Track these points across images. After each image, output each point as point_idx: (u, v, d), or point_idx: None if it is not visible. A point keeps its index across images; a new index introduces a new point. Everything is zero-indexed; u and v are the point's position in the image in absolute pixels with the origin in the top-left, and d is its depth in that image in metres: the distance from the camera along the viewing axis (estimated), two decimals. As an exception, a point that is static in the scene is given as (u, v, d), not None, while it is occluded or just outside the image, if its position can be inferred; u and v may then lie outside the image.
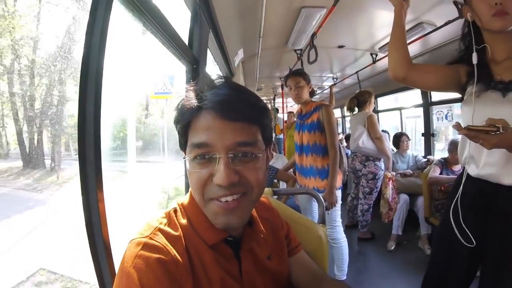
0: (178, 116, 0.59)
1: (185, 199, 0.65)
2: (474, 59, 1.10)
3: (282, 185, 3.14)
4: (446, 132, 4.37)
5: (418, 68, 1.24)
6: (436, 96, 3.72)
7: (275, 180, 2.62)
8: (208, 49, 2.09)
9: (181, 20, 1.73)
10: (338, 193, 2.18)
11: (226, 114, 0.54)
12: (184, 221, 0.60)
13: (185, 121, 0.57)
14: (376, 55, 3.29)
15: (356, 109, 3.37)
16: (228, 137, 0.54)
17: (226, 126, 0.54)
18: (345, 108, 3.55)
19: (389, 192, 2.98)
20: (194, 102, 0.57)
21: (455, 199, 1.16)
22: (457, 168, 2.90)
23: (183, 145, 0.60)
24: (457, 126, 0.94)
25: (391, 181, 3.01)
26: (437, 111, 3.71)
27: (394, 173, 3.17)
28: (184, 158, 0.59)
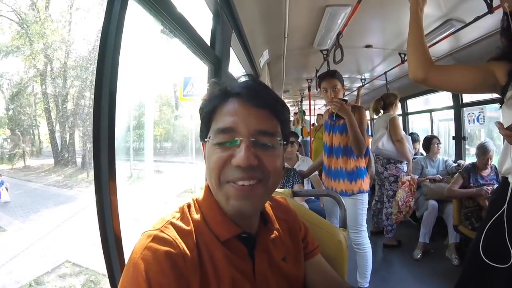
0: (205, 102, 0.61)
1: (200, 195, 0.66)
2: None
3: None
4: (479, 136, 4.12)
5: (442, 69, 1.15)
6: (467, 97, 3.50)
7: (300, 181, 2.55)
8: (232, 49, 2.10)
9: (203, 21, 1.75)
10: (365, 197, 2.13)
11: (252, 100, 0.58)
12: (197, 216, 0.61)
13: (212, 106, 0.60)
14: (405, 54, 3.15)
15: (382, 111, 3.33)
16: (252, 123, 0.57)
17: (251, 113, 0.58)
18: (370, 109, 3.47)
19: (402, 195, 2.98)
20: (222, 89, 0.60)
21: (499, 210, 1.03)
22: (486, 173, 2.73)
23: (204, 132, 0.62)
24: (499, 125, 0.87)
25: (405, 184, 3.00)
26: (469, 113, 3.49)
27: (414, 177, 3.08)
28: (205, 140, 0.60)
